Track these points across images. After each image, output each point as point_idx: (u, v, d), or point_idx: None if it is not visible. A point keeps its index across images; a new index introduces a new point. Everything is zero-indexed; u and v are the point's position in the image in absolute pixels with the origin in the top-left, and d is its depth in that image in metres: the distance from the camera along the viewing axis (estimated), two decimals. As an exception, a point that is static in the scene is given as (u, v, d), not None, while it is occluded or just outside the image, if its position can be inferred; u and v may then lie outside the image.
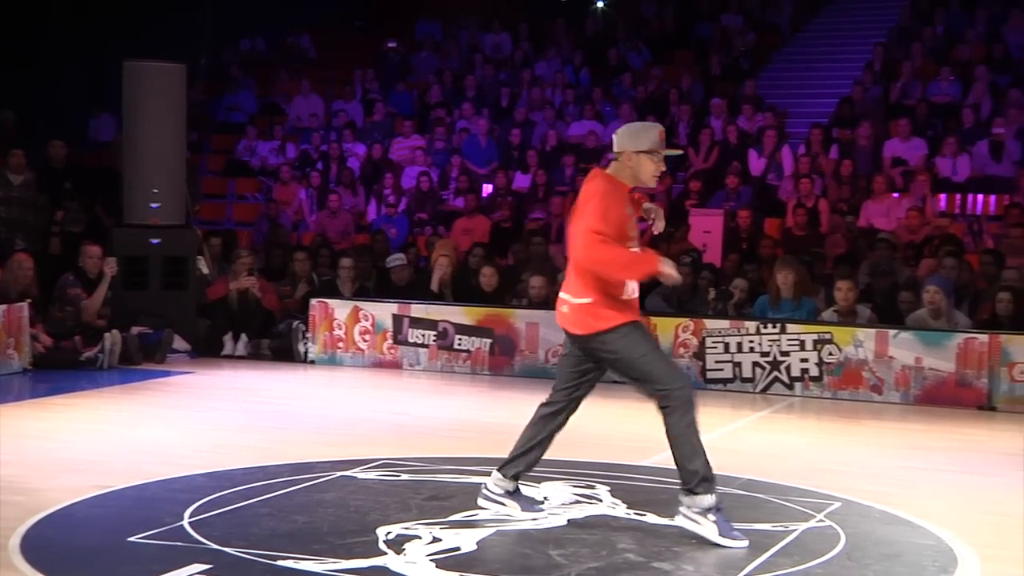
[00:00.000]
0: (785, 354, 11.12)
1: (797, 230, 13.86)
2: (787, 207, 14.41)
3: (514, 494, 6.18)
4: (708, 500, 5.77)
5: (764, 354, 11.19)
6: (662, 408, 5.80)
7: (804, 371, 11.08)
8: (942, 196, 14.64)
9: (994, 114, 15.37)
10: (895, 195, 14.35)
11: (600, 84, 18.11)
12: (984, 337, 10.62)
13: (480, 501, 6.18)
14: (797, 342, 11.10)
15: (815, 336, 11.06)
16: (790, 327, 11.15)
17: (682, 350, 11.46)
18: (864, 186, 14.58)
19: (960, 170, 14.76)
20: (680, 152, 6.60)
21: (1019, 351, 10.50)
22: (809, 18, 19.64)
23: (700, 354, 11.41)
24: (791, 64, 18.71)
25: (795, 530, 6.07)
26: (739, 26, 18.95)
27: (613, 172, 5.97)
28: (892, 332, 10.91)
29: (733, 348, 11.31)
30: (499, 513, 6.10)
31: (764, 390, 11.17)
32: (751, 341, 11.25)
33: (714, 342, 11.39)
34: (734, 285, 12.14)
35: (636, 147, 5.89)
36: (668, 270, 5.84)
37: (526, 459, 6.13)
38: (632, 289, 5.90)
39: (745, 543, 5.72)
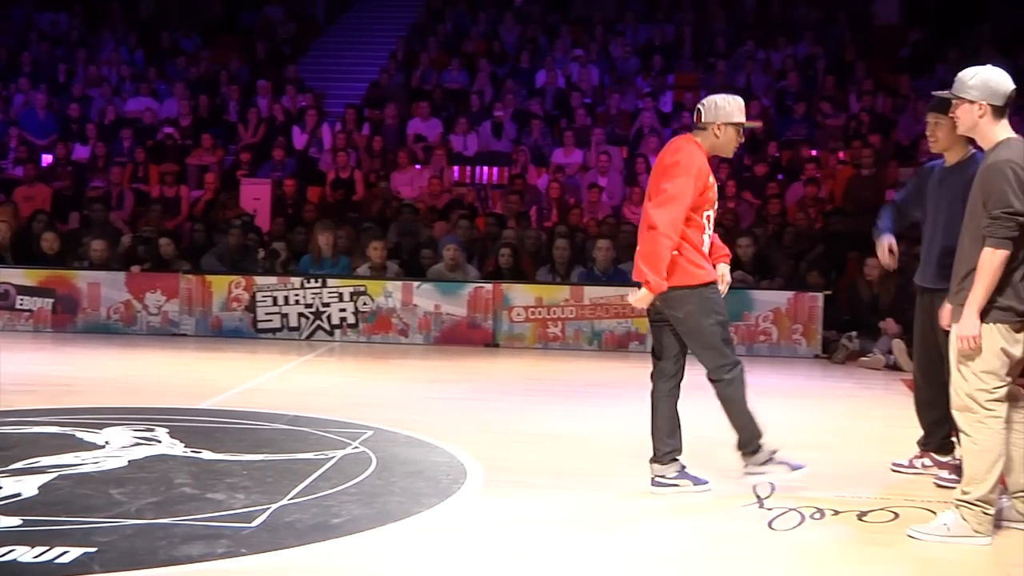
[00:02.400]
0: (326, 305, 11.22)
1: (335, 197, 13.96)
2: (327, 177, 14.49)
3: (683, 472, 5.69)
4: (766, 453, 5.62)
5: (308, 306, 11.23)
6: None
7: (343, 319, 11.23)
8: (456, 168, 15.21)
9: (495, 99, 16.11)
10: (418, 167, 14.75)
11: (154, 64, 17.34)
12: (489, 286, 11.19)
13: (655, 490, 5.65)
14: (336, 294, 11.22)
15: (352, 289, 11.23)
16: (330, 282, 11.25)
17: (235, 304, 11.29)
18: (392, 159, 14.89)
19: (470, 146, 15.37)
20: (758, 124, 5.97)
21: (517, 296, 11.15)
22: (341, 12, 19.73)
23: (252, 307, 11.29)
24: (327, 51, 18.71)
25: (333, 457, 6.14)
26: (280, 16, 18.74)
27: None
28: (416, 284, 11.27)
29: (281, 301, 11.27)
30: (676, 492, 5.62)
31: (308, 337, 11.22)
32: (296, 295, 11.26)
33: (264, 296, 11.29)
34: (280, 246, 12.09)
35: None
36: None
37: (677, 439, 5.68)
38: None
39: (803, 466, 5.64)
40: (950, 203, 5.69)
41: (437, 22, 18.37)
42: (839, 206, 12.82)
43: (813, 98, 15.43)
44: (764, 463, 5.62)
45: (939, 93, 5.21)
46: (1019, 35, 15.54)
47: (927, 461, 6.15)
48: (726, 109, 5.52)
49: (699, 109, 5.60)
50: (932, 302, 5.78)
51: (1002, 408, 4.86)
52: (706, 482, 5.69)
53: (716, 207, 5.67)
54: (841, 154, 14.25)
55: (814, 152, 14.28)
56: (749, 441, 5.61)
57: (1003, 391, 4.85)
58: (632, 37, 17.72)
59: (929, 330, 5.88)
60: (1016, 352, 4.85)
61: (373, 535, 4.86)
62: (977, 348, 4.81)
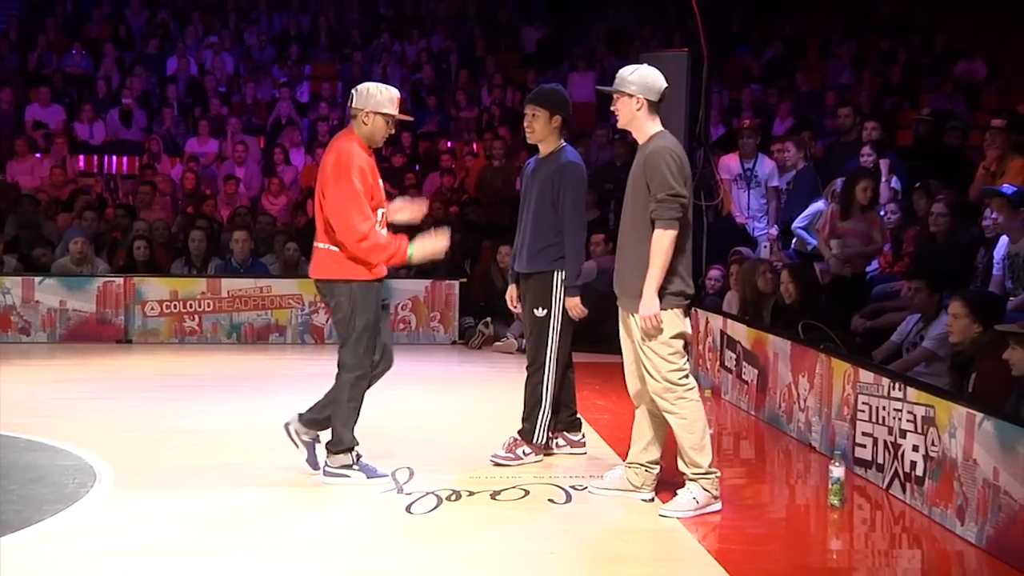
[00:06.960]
0: (-66, 305, 10.30)
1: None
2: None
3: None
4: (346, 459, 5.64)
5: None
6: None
7: (-47, 319, 10.37)
8: (81, 157, 14.37)
9: (122, 86, 15.36)
10: (38, 155, 13.83)
11: None
12: (120, 280, 10.67)
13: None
14: (-55, 293, 10.33)
15: (-37, 286, 10.39)
16: (-63, 279, 10.33)
17: None
18: (8, 147, 13.85)
19: (96, 134, 14.57)
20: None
21: (150, 291, 10.70)
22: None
23: None
24: (-73, 29, 17.11)
25: (-58, 468, 5.65)
26: None
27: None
28: (38, 279, 10.56)
29: None
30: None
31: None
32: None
33: None
34: None
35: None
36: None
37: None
38: None
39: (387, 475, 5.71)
40: (539, 191, 6.02)
41: (55, 2, 17.25)
42: (473, 196, 13.20)
43: (447, 91, 15.81)
44: (345, 466, 5.62)
45: (602, 88, 5.51)
46: (628, 36, 16.67)
47: (560, 441, 6.44)
48: (376, 98, 5.46)
49: (352, 94, 5.55)
50: (526, 286, 6.13)
51: (693, 380, 5.28)
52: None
53: (386, 206, 5.65)
54: (475, 145, 14.69)
55: (449, 144, 14.63)
56: (338, 442, 5.62)
57: (688, 365, 5.29)
58: (267, 26, 17.44)
59: (530, 310, 6.14)
60: (688, 331, 5.28)
61: (-12, 549, 4.51)
62: (660, 325, 5.13)
